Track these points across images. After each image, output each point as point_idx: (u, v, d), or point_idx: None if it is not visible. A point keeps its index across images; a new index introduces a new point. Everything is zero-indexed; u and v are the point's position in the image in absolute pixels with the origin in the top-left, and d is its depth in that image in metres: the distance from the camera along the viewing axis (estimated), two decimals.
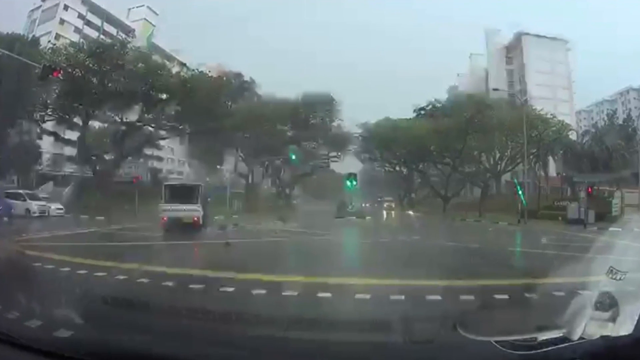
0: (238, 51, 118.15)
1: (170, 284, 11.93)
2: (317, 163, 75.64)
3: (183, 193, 32.91)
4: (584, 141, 70.35)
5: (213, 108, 59.56)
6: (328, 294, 10.58)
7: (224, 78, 67.07)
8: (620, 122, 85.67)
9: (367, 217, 53.19)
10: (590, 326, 3.92)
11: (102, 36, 72.77)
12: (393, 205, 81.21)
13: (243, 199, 65.40)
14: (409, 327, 5.70)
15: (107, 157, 61.48)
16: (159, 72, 58.51)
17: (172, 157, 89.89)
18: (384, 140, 71.25)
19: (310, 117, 70.64)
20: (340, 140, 73.11)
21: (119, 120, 61.05)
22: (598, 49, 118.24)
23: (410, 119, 73.90)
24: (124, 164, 59.28)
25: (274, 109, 65.43)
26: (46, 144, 67.00)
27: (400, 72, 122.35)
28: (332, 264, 17.56)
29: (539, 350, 3.93)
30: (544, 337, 4.04)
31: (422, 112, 74.36)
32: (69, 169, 70.69)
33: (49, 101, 57.08)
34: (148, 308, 7.57)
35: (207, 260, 18.60)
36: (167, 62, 66.84)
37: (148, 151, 72.38)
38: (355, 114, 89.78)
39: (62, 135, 62.95)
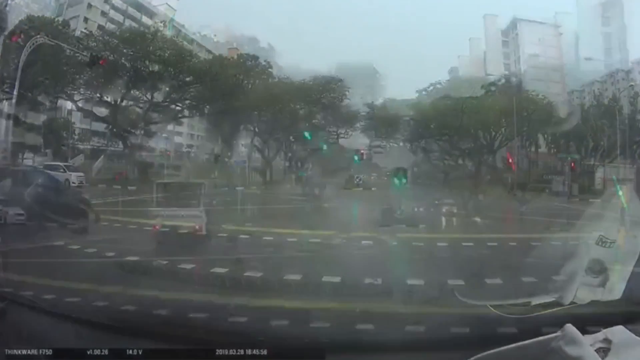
0: (252, 10, 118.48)
1: (163, 312, 11.84)
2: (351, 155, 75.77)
3: (180, 193, 32.81)
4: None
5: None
6: (370, 326, 10.50)
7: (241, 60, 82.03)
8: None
9: (421, 226, 53.16)
10: (581, 291, 5.36)
11: (131, 22, 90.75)
12: (454, 210, 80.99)
13: (259, 200, 65.66)
14: None
15: None
16: (187, 58, 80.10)
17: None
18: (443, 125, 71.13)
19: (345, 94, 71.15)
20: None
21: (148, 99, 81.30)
22: None
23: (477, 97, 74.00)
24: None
25: (294, 86, 66.07)
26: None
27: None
28: (377, 286, 17.46)
29: (532, 315, 5.27)
30: (537, 302, 5.47)
31: (493, 88, 74.59)
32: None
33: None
34: (135, 344, 7.56)
35: (212, 281, 18.57)
36: (193, 47, 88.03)
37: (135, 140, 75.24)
38: (404, 91, 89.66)
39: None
